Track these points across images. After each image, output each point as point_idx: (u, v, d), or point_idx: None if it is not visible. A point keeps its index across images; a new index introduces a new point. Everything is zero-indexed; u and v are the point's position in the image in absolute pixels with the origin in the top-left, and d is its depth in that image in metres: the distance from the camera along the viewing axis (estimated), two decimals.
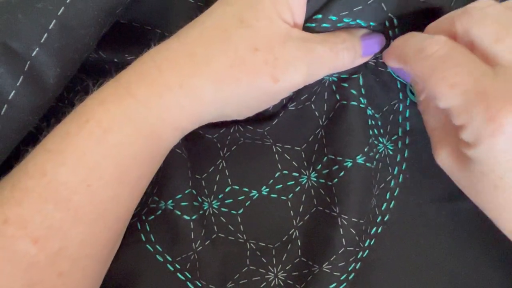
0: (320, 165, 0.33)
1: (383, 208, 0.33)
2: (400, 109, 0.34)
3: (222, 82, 0.26)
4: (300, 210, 0.33)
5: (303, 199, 0.34)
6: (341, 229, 0.31)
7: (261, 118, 0.34)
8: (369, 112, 0.32)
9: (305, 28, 0.29)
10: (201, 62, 0.26)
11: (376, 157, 0.33)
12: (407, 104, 0.34)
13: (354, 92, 0.33)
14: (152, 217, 0.33)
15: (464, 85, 0.23)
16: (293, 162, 0.34)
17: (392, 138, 0.34)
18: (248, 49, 0.26)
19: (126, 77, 0.26)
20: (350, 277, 0.31)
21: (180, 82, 0.26)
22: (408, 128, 0.34)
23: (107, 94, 0.26)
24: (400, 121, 0.34)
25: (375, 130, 0.33)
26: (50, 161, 0.25)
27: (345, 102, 0.33)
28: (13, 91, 0.27)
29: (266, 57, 0.26)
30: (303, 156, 0.34)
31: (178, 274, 0.32)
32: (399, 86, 0.34)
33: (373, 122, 0.33)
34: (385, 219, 0.33)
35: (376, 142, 0.33)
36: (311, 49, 0.27)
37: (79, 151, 0.25)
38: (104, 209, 0.25)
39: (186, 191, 0.32)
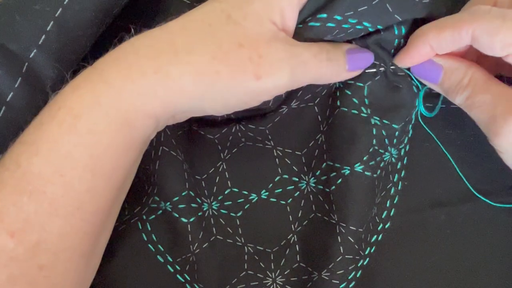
0: (319, 171, 0.33)
1: (383, 216, 0.33)
2: (413, 117, 0.33)
3: (202, 74, 0.25)
4: (299, 215, 0.33)
5: (302, 205, 0.33)
6: (339, 237, 0.31)
7: (263, 114, 0.34)
8: (374, 121, 0.31)
9: (309, 27, 0.28)
10: (181, 51, 0.25)
11: (381, 165, 0.32)
12: (416, 110, 0.33)
13: (355, 101, 0.32)
14: (153, 216, 0.33)
15: None
16: (293, 167, 0.34)
17: (400, 147, 0.33)
18: (233, 44, 0.26)
19: (102, 62, 0.26)
20: (350, 285, 0.31)
21: (156, 68, 0.25)
22: (410, 135, 0.33)
23: (80, 81, 0.26)
24: (409, 128, 0.33)
25: (386, 140, 0.32)
26: (24, 152, 0.25)
27: (345, 109, 0.32)
28: (11, 93, 0.27)
29: (251, 54, 0.26)
30: (303, 161, 0.34)
31: (178, 275, 0.32)
32: (415, 90, 0.33)
33: (384, 132, 0.32)
34: (386, 226, 0.33)
35: (382, 151, 0.32)
36: (297, 53, 0.27)
37: (51, 140, 0.24)
38: (80, 201, 0.25)
39: (183, 193, 0.32)
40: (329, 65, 0.28)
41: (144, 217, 0.33)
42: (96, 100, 0.25)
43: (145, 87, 0.25)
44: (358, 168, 0.31)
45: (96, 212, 0.26)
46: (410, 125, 0.33)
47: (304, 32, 0.28)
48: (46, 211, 0.24)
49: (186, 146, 0.33)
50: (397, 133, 0.32)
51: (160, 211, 0.33)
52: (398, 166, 0.33)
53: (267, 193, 0.34)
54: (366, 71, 0.31)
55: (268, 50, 0.26)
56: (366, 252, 0.32)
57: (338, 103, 0.32)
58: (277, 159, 0.34)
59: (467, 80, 0.29)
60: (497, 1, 0.26)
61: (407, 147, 0.34)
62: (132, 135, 0.26)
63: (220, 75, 0.25)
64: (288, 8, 0.27)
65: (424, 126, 0.34)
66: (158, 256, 0.33)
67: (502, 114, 0.27)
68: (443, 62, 0.29)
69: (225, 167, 0.34)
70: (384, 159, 0.32)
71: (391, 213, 0.33)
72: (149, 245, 0.33)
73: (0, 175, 0.24)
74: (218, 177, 0.34)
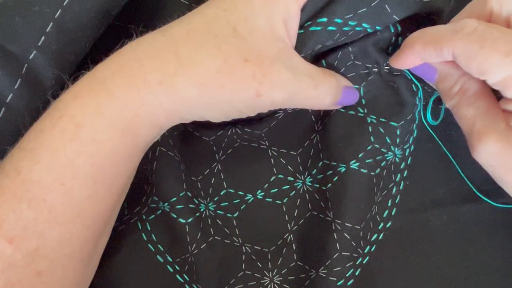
0: (315, 170, 0.33)
1: (384, 215, 0.33)
2: (416, 116, 0.33)
3: (206, 87, 0.25)
4: (295, 214, 0.33)
5: (297, 204, 0.33)
6: (335, 234, 0.30)
7: (259, 118, 0.34)
8: (370, 120, 0.31)
9: (310, 32, 0.28)
10: (186, 63, 0.25)
11: (382, 164, 0.32)
12: (418, 109, 0.33)
13: None
14: (153, 216, 0.33)
15: None
16: (289, 167, 0.34)
17: (404, 147, 0.33)
18: (239, 59, 0.25)
19: (102, 69, 0.26)
20: (348, 283, 0.31)
21: (161, 79, 0.25)
22: (415, 135, 0.33)
23: (81, 88, 0.26)
24: (414, 128, 0.33)
25: (387, 139, 0.32)
26: (24, 159, 0.25)
27: (342, 110, 0.32)
28: (11, 94, 0.28)
29: (255, 70, 0.26)
30: (299, 160, 0.34)
31: (177, 276, 0.32)
32: (414, 89, 0.33)
33: (381, 130, 0.32)
34: (387, 226, 0.33)
35: (384, 150, 0.32)
36: (298, 79, 0.27)
37: (53, 148, 0.24)
38: (80, 209, 0.25)
39: (181, 194, 0.32)
40: (326, 99, 0.29)
41: (144, 217, 0.33)
42: (99, 110, 0.25)
43: (149, 97, 0.25)
44: (354, 165, 0.31)
45: (96, 219, 0.26)
46: (414, 125, 0.33)
47: (305, 37, 0.28)
48: (46, 218, 0.24)
49: (181, 147, 0.34)
50: (398, 131, 0.32)
51: (160, 211, 0.33)
52: (402, 166, 0.33)
53: (262, 193, 0.34)
54: (360, 71, 0.31)
55: (272, 68, 0.26)
56: (366, 251, 0.32)
57: None
58: (272, 159, 0.34)
59: (457, 89, 0.28)
60: (492, 13, 0.26)
61: (412, 147, 0.34)
62: (135, 142, 0.26)
63: (223, 89, 0.26)
64: (290, 16, 0.27)
65: (427, 127, 0.34)
66: (158, 256, 0.33)
67: (478, 133, 0.27)
68: (438, 65, 0.29)
69: (220, 168, 0.34)
70: (387, 158, 0.32)
71: (393, 213, 0.33)
72: (149, 245, 0.33)
73: (0, 181, 0.25)
74: (213, 178, 0.34)
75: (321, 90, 0.28)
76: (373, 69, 0.31)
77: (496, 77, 0.24)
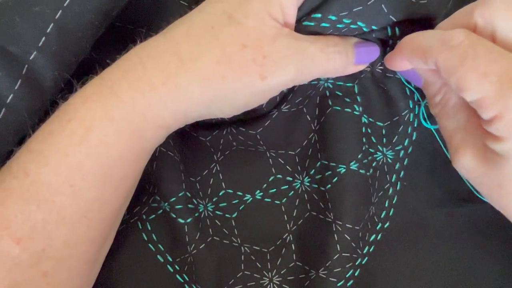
0: (313, 170, 0.33)
1: (382, 216, 0.33)
2: (411, 119, 0.33)
3: (208, 80, 0.26)
4: (294, 214, 0.33)
5: (296, 204, 0.33)
6: (335, 235, 0.31)
7: (254, 117, 0.34)
8: (364, 120, 0.32)
9: (303, 27, 0.29)
10: (186, 60, 0.26)
11: (373, 164, 0.32)
12: (416, 113, 0.33)
13: (348, 100, 0.32)
14: (153, 216, 0.33)
15: (497, 73, 0.22)
16: (287, 167, 0.34)
17: (396, 148, 0.33)
18: (236, 46, 0.26)
19: (110, 74, 0.26)
20: (348, 284, 0.31)
21: (164, 80, 0.25)
22: (414, 138, 0.33)
23: (90, 92, 0.26)
24: (409, 131, 0.33)
25: (373, 139, 0.32)
26: (33, 161, 0.25)
27: (338, 108, 0.32)
28: (11, 95, 0.28)
29: (254, 54, 0.26)
30: (297, 160, 0.34)
31: (177, 275, 0.32)
32: (408, 93, 0.33)
33: (369, 130, 0.32)
34: (385, 226, 0.33)
35: (372, 150, 0.32)
36: (302, 48, 0.27)
37: (62, 151, 0.25)
38: (88, 210, 0.25)
39: (180, 194, 0.32)
40: (336, 59, 0.28)
41: (144, 216, 0.33)
42: (107, 114, 0.25)
43: (155, 99, 0.25)
44: (354, 166, 0.31)
45: (103, 220, 0.27)
46: (410, 127, 0.33)
47: (298, 31, 0.28)
48: (54, 219, 0.25)
49: (181, 147, 0.34)
50: (383, 131, 0.32)
51: (161, 211, 0.33)
52: (397, 167, 0.33)
53: (261, 193, 0.34)
54: None
55: (272, 48, 0.26)
56: (365, 251, 0.32)
57: (330, 103, 0.32)
58: (270, 160, 0.34)
59: (439, 99, 0.28)
60: (477, 27, 0.25)
61: (410, 149, 0.34)
62: (142, 145, 0.27)
63: (225, 79, 0.26)
64: (287, 4, 0.27)
65: (428, 125, 0.34)
66: (158, 256, 0.33)
67: (455, 147, 0.27)
68: (423, 73, 0.29)
69: (218, 168, 0.34)
70: (377, 158, 0.32)
71: (390, 213, 0.33)
72: (150, 244, 0.33)
73: (7, 182, 0.25)
74: (212, 179, 0.34)
75: (329, 52, 0.28)
76: (366, 68, 0.31)
77: (472, 97, 0.23)
